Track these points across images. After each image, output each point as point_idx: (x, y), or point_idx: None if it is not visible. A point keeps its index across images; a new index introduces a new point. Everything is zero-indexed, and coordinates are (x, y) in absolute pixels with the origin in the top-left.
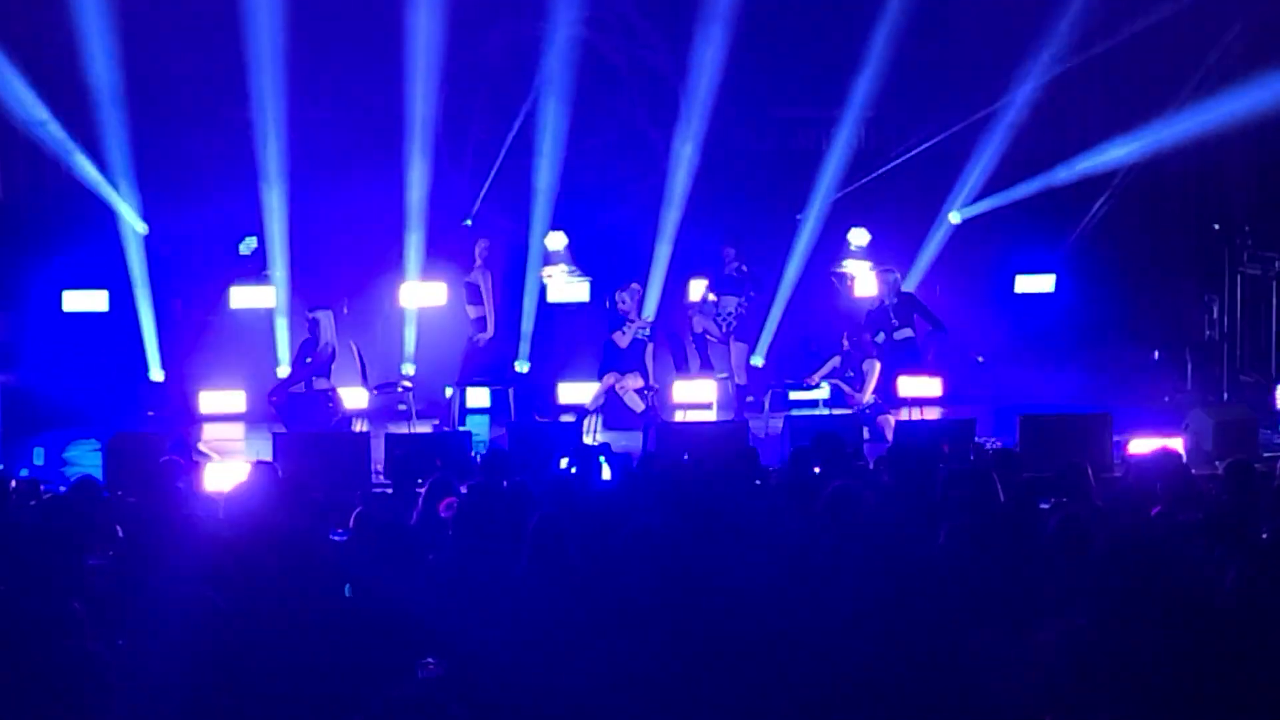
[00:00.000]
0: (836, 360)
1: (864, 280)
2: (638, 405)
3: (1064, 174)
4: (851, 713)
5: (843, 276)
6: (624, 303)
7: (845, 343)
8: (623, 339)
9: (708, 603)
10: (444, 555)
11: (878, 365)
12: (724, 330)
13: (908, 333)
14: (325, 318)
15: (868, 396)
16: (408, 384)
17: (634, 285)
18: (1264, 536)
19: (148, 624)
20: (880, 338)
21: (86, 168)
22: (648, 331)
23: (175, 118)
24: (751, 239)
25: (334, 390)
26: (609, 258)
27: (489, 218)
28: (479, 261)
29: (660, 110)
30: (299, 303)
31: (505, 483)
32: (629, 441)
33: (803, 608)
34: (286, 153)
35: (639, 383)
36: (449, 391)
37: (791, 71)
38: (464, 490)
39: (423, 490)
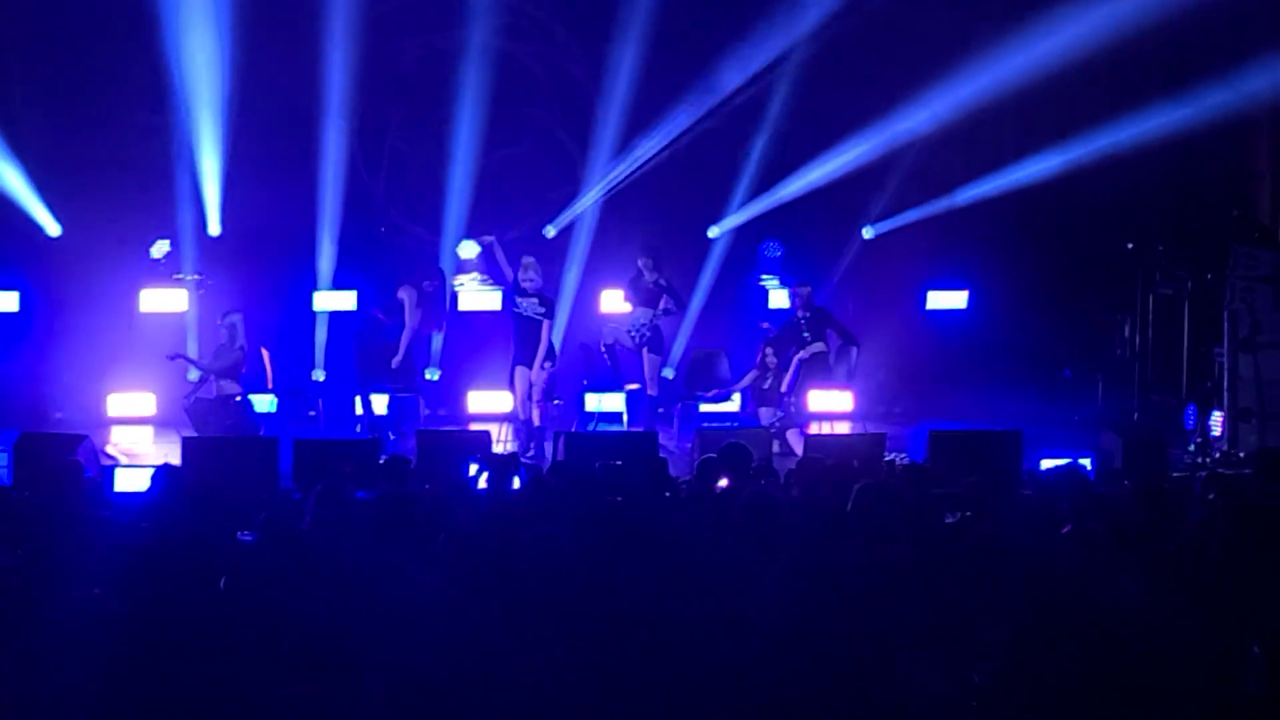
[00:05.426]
0: (754, 374)
1: (776, 294)
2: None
3: (977, 191)
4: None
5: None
6: (529, 281)
7: (770, 358)
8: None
9: (618, 611)
10: (351, 561)
11: (797, 361)
12: (636, 342)
13: (819, 347)
14: (239, 321)
15: (785, 387)
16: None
17: (526, 259)
18: (1171, 551)
19: (48, 625)
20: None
21: None
22: (543, 310)
23: (88, 119)
24: (666, 251)
25: (244, 395)
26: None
27: (402, 225)
28: (417, 288)
29: (576, 118)
30: (210, 306)
31: (417, 490)
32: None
33: (713, 615)
34: (202, 156)
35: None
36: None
37: (707, 83)
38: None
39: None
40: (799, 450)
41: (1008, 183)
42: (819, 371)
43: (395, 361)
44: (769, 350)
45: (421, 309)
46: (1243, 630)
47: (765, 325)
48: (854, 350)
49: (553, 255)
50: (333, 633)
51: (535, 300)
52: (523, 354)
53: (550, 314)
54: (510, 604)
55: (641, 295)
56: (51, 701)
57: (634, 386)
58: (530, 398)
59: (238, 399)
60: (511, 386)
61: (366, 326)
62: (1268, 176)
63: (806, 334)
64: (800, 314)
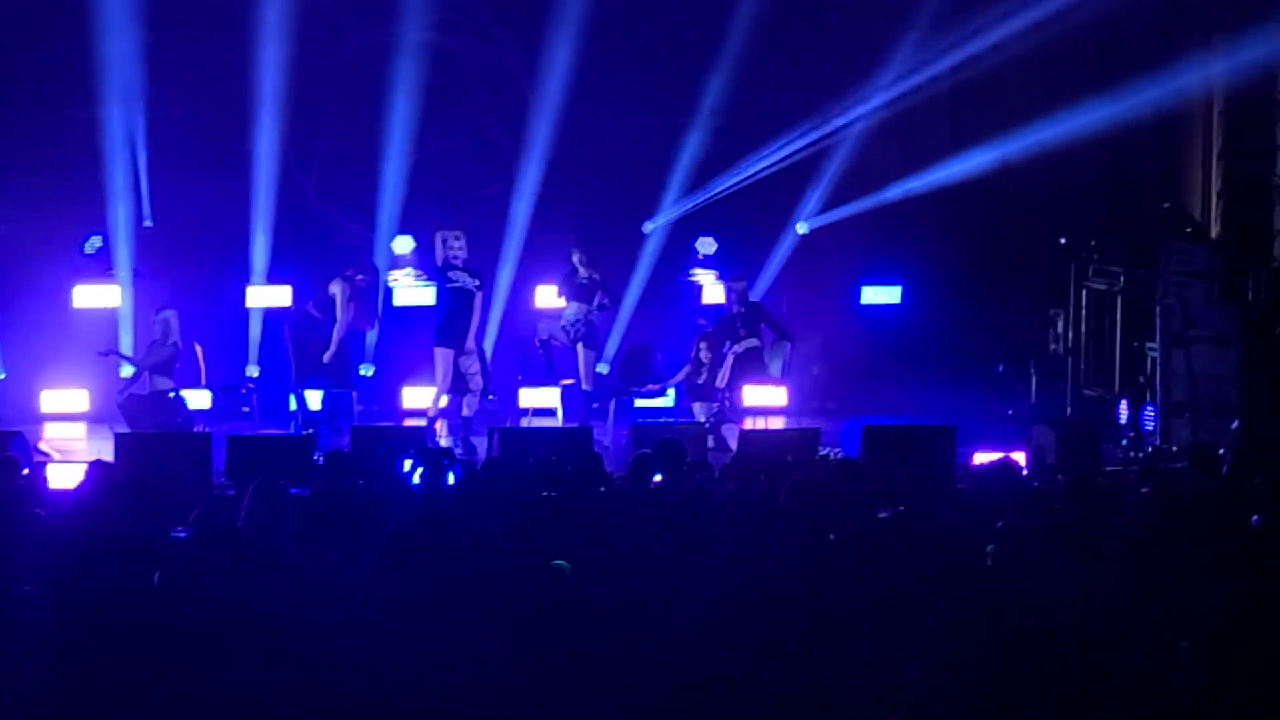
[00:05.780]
0: (689, 369)
1: (711, 289)
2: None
3: (911, 186)
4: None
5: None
6: (457, 252)
7: (704, 354)
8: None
9: (552, 604)
10: (285, 556)
11: (732, 356)
12: (570, 337)
13: (754, 342)
14: (173, 317)
15: (721, 381)
16: (251, 385)
17: (453, 232)
18: (1104, 545)
19: None
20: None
21: None
22: (477, 281)
23: (17, 114)
24: (600, 246)
25: (177, 391)
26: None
27: (337, 222)
28: (350, 283)
29: (509, 114)
30: (144, 302)
31: (351, 486)
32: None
33: (647, 610)
34: (134, 152)
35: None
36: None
37: (641, 77)
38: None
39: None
40: (733, 445)
41: (941, 178)
42: (753, 367)
43: (327, 356)
44: (703, 345)
45: (354, 304)
46: (1175, 624)
47: (702, 322)
48: (788, 345)
49: (487, 250)
50: (268, 628)
51: (467, 273)
52: (451, 334)
53: (483, 286)
54: (444, 598)
55: (576, 290)
56: None
57: (569, 382)
58: (459, 385)
59: (171, 395)
60: (435, 374)
61: (300, 322)
62: (1199, 171)
63: (741, 329)
64: (735, 309)
